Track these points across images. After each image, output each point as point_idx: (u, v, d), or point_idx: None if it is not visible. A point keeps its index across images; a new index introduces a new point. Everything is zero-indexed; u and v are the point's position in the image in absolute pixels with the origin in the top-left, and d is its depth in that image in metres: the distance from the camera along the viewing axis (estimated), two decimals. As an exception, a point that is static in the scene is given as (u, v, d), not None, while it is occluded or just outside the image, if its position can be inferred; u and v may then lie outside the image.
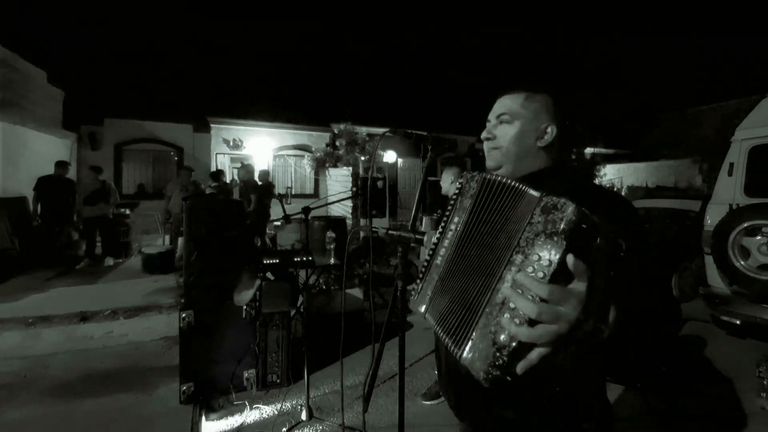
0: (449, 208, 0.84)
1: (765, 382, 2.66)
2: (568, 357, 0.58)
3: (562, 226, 0.56)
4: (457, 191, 0.84)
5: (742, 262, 3.28)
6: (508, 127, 0.95)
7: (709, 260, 3.63)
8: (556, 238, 0.56)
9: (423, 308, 0.80)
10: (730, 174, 3.64)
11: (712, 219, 3.63)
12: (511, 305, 0.58)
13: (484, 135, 1.00)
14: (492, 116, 1.00)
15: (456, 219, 0.81)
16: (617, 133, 15.63)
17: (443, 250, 0.81)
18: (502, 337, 0.59)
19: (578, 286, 0.56)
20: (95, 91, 12.66)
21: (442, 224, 0.85)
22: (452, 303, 0.72)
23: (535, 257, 0.58)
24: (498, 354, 0.58)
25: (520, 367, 0.58)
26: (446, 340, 0.69)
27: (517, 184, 0.71)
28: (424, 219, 2.77)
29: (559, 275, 0.56)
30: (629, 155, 15.35)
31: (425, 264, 0.85)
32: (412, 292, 0.87)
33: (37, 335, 3.73)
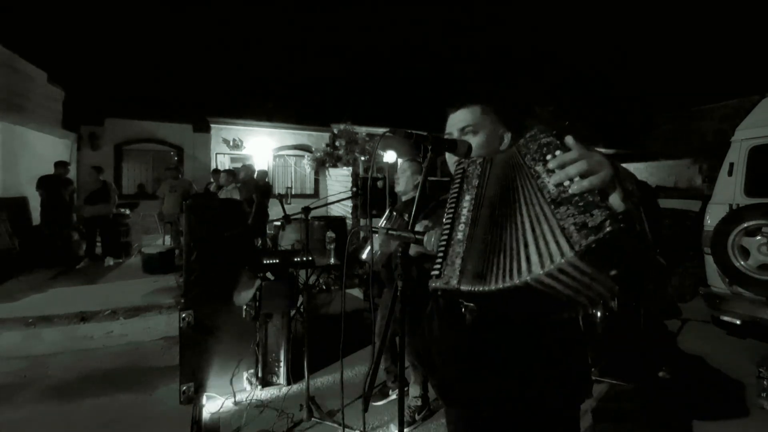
0: (454, 193, 0.90)
1: (765, 382, 2.66)
2: (635, 195, 0.67)
3: (548, 133, 0.74)
4: (459, 176, 0.92)
5: (742, 262, 3.28)
6: (475, 138, 1.05)
7: (709, 260, 3.62)
8: (550, 140, 0.73)
9: (456, 281, 0.79)
10: (730, 174, 3.64)
11: (712, 219, 3.63)
12: (567, 173, 0.67)
13: None
14: (453, 129, 1.09)
15: (467, 197, 0.88)
16: (617, 133, 15.63)
17: (462, 226, 0.85)
18: (585, 200, 0.65)
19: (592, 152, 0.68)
20: (95, 91, 12.64)
21: (450, 210, 0.88)
22: (492, 253, 0.77)
23: (549, 156, 0.71)
24: (593, 205, 0.64)
25: (616, 204, 0.65)
26: (484, 282, 0.74)
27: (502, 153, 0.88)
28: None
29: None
30: (629, 155, 15.34)
31: (442, 248, 0.85)
32: (432, 274, 0.84)
33: (37, 335, 3.73)
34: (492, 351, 0.94)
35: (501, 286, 0.71)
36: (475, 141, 1.04)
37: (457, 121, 1.08)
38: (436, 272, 0.84)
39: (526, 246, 0.71)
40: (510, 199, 0.79)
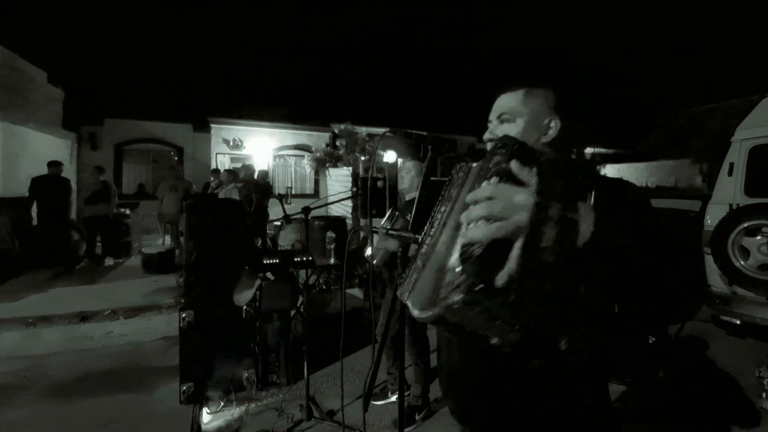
0: (439, 199, 0.86)
1: (765, 383, 2.66)
2: (548, 254, 0.54)
3: (503, 153, 0.59)
4: (447, 184, 0.86)
5: (742, 262, 3.28)
6: (511, 126, 0.92)
7: (709, 260, 3.63)
8: (499, 159, 0.58)
9: (407, 295, 0.79)
10: (730, 174, 3.64)
11: (712, 219, 3.63)
12: (471, 215, 0.58)
13: (486, 136, 0.97)
14: (493, 116, 0.97)
15: (443, 209, 0.82)
16: (617, 133, 15.63)
17: (429, 238, 0.82)
18: (467, 251, 0.56)
19: (532, 180, 0.56)
20: (95, 91, 12.65)
21: (432, 216, 0.86)
22: (429, 276, 0.72)
23: (484, 184, 0.58)
24: (465, 268, 0.55)
25: (501, 277, 0.54)
26: (415, 306, 0.68)
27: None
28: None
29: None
30: (629, 155, 15.34)
31: (414, 255, 0.86)
32: (400, 281, 0.86)
33: (37, 335, 3.73)
34: (474, 366, 0.92)
35: (420, 315, 0.67)
36: (510, 131, 0.91)
37: (498, 107, 0.96)
38: (402, 280, 0.84)
39: (434, 280, 0.65)
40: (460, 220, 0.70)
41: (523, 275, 0.54)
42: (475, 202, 0.57)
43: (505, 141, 0.64)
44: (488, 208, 0.55)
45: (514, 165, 0.57)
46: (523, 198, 0.55)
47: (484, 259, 0.54)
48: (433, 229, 0.82)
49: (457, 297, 0.54)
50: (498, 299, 0.54)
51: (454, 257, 0.58)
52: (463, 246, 0.57)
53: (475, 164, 0.79)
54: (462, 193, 0.76)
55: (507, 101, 0.94)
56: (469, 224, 0.58)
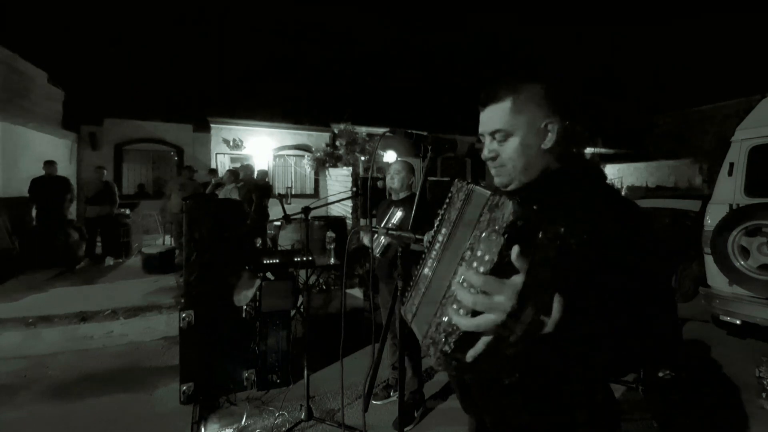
0: (439, 219, 0.85)
1: (765, 382, 2.66)
2: (512, 347, 0.60)
3: (501, 223, 0.59)
4: (447, 201, 0.85)
5: (742, 262, 3.28)
6: (507, 143, 0.87)
7: (709, 260, 3.63)
8: (495, 235, 0.59)
9: (410, 318, 0.82)
10: (730, 174, 3.64)
11: (712, 219, 3.63)
12: (458, 297, 0.61)
13: (485, 156, 0.92)
14: (484, 131, 0.90)
15: (443, 230, 0.82)
16: (617, 133, 15.63)
17: (430, 261, 0.82)
18: (449, 325, 0.63)
19: (517, 279, 0.57)
20: (95, 91, 12.67)
21: (433, 235, 0.86)
22: (430, 310, 0.74)
23: (479, 253, 0.60)
24: (445, 341, 0.63)
25: (470, 355, 0.61)
26: (422, 341, 0.72)
27: (479, 189, 0.73)
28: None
29: (501, 270, 0.58)
30: (629, 155, 15.33)
31: (416, 273, 0.86)
32: (404, 300, 0.88)
33: (37, 335, 3.73)
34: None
35: (421, 342, 0.72)
36: (508, 149, 0.86)
37: (486, 122, 0.89)
38: (407, 298, 0.87)
39: (431, 316, 0.70)
40: (457, 255, 0.70)
41: (488, 356, 0.61)
42: (468, 284, 0.60)
43: (516, 208, 0.58)
44: (473, 301, 0.58)
45: (514, 253, 0.55)
46: (503, 300, 0.57)
47: (460, 338, 0.62)
48: (434, 252, 0.82)
49: (435, 356, 0.65)
50: (465, 369, 0.64)
51: (442, 315, 0.65)
52: (447, 322, 0.63)
53: (474, 189, 0.76)
54: (462, 219, 0.76)
55: (495, 116, 0.87)
56: (459, 300, 0.61)
